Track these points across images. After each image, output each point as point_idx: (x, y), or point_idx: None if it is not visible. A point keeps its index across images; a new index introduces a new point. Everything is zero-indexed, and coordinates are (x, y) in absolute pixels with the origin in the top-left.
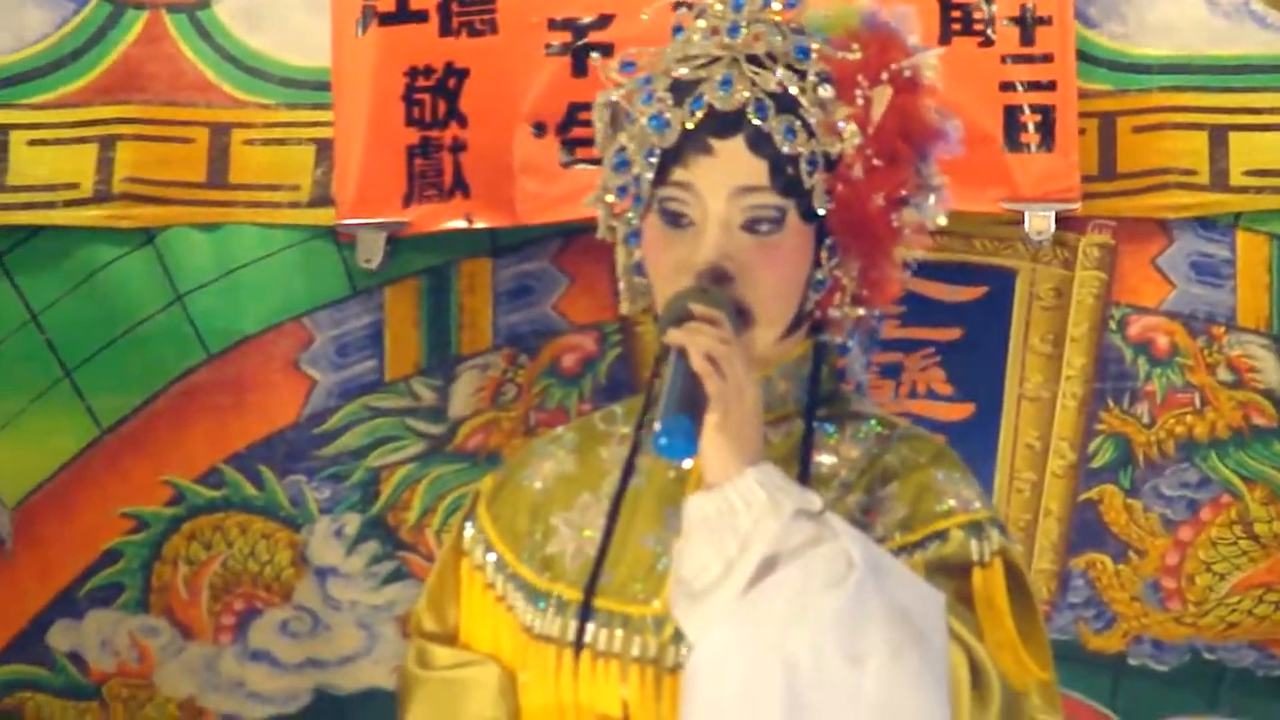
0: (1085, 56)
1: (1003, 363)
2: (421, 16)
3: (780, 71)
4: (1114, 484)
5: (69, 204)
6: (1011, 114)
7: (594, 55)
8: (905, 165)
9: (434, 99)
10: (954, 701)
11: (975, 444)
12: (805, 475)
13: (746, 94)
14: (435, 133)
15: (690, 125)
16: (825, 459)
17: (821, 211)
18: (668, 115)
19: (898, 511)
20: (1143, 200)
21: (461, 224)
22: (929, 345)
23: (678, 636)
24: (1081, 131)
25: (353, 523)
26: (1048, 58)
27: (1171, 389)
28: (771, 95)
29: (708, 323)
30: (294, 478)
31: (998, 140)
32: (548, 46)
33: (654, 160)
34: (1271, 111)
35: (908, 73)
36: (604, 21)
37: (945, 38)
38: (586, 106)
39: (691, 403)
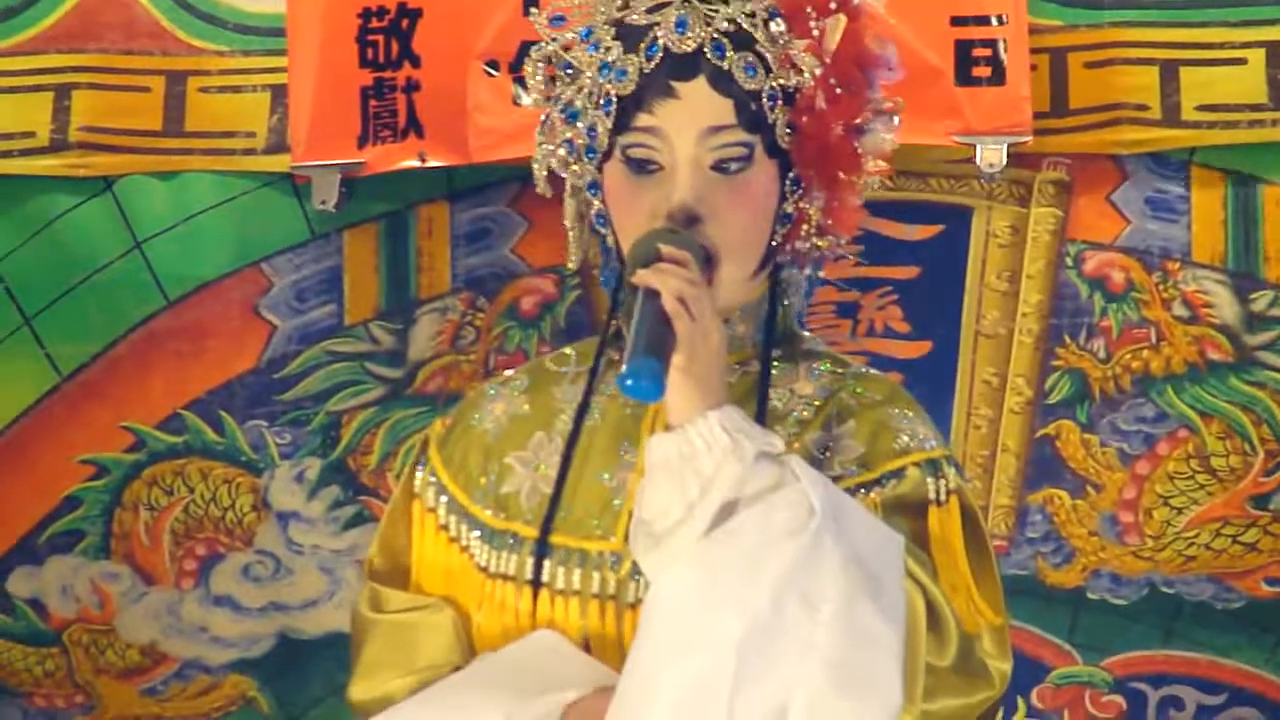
0: None
1: (959, 300)
2: None
3: (732, 9)
4: (1071, 419)
5: (25, 153)
6: (963, 48)
7: (533, 11)
8: (861, 92)
9: (387, 40)
10: (911, 644)
11: (933, 381)
12: (762, 414)
13: (702, 33)
14: (389, 73)
15: (647, 69)
16: (781, 398)
17: (784, 146)
18: (621, 62)
19: (855, 449)
20: (1095, 136)
21: (415, 163)
22: (886, 284)
23: (636, 572)
24: (1033, 67)
25: (314, 467)
26: None
27: (1127, 324)
28: (726, 34)
29: (676, 264)
30: (254, 423)
31: (949, 75)
32: None
33: (610, 109)
34: (1223, 46)
35: (855, 0)
36: None
37: None
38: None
39: (660, 344)
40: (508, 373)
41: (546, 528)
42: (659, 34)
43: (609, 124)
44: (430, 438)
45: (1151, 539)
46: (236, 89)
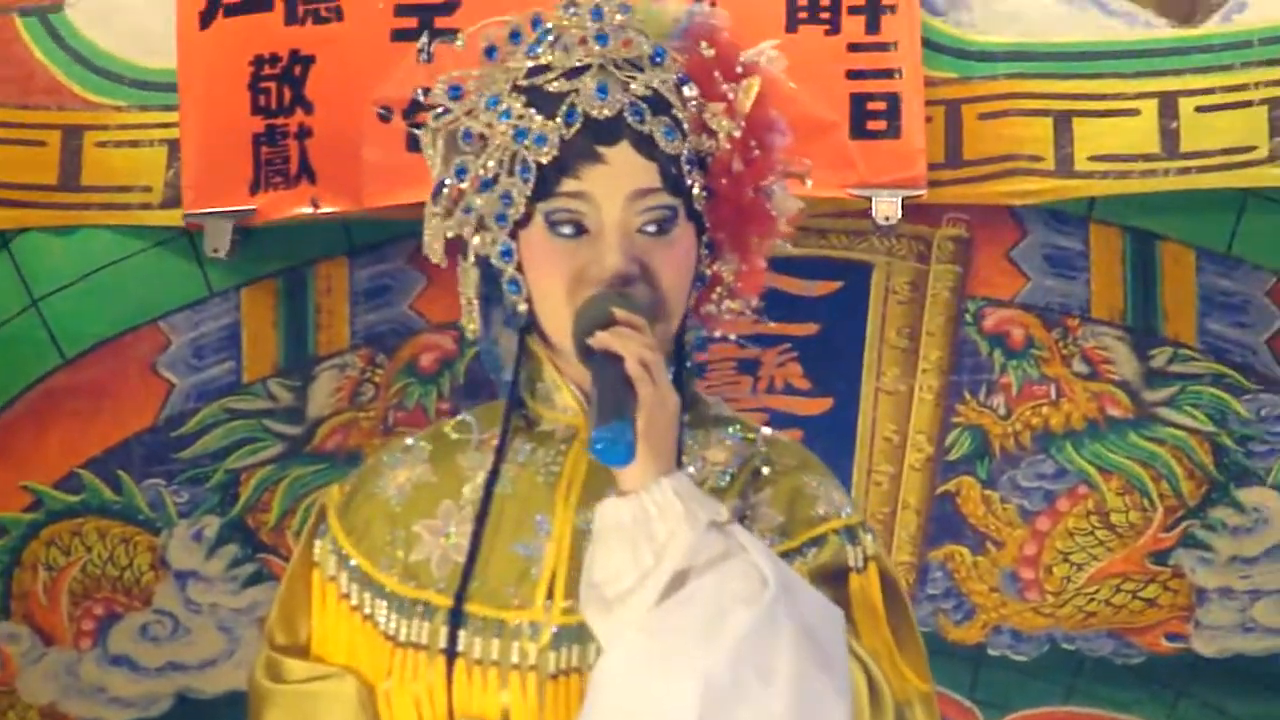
0: (931, 45)
1: (859, 357)
2: (267, 5)
3: (647, 75)
4: (971, 476)
5: None
6: (857, 102)
7: (428, 44)
8: (771, 153)
9: (279, 87)
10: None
11: (833, 438)
12: None
13: (622, 98)
14: (281, 120)
15: (568, 136)
16: (693, 466)
17: (699, 209)
18: (539, 129)
19: (774, 518)
20: (990, 187)
21: (308, 209)
22: (786, 341)
23: (557, 642)
24: (928, 119)
25: (212, 525)
26: (892, 46)
27: (1027, 381)
28: (644, 98)
29: (630, 327)
30: (152, 481)
31: (844, 128)
32: (394, 32)
33: (529, 176)
34: (1115, 97)
35: (764, 62)
36: (450, 7)
37: (792, 26)
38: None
39: (625, 408)
40: (407, 440)
41: (461, 596)
42: (577, 100)
43: (528, 191)
44: (328, 505)
45: (1052, 595)
46: (134, 143)
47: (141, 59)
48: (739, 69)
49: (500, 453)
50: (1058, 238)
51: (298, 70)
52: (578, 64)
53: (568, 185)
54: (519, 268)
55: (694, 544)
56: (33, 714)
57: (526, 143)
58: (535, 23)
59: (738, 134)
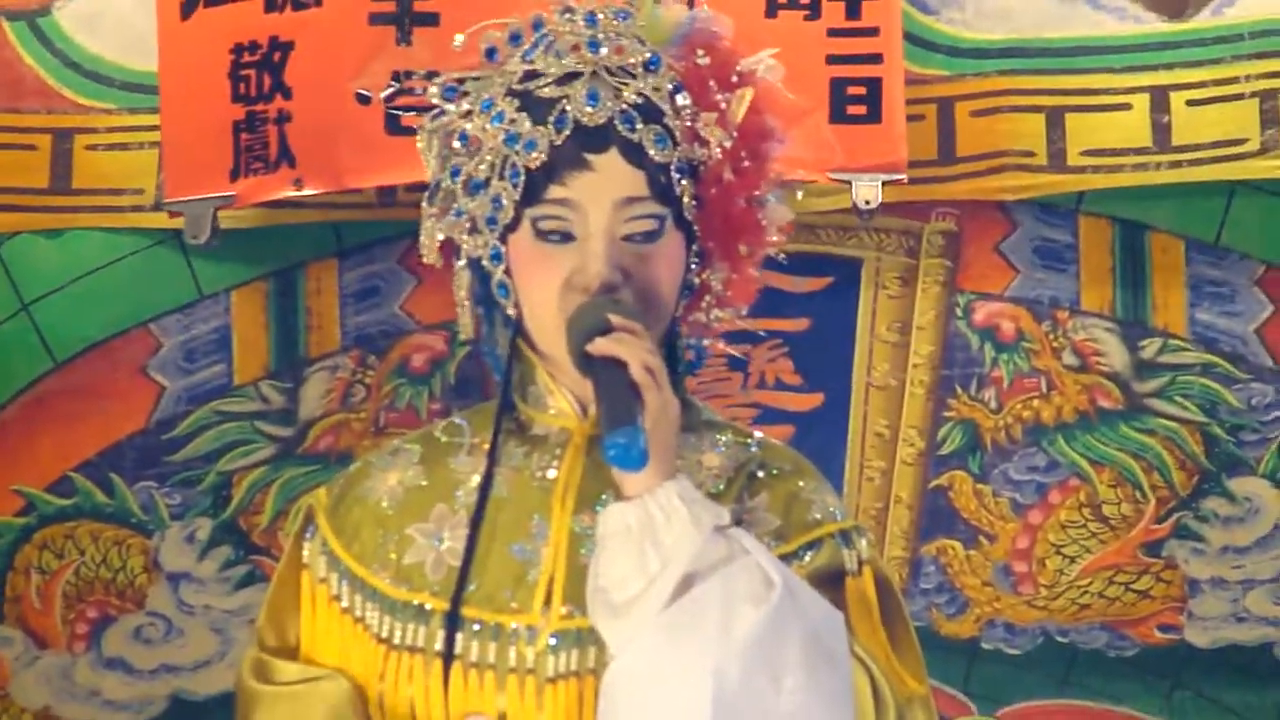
0: (922, 42)
1: (850, 352)
2: None
3: (640, 82)
4: (963, 470)
5: None
6: (837, 87)
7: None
8: (763, 163)
9: (259, 73)
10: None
11: (825, 433)
12: None
13: (613, 106)
14: (261, 106)
15: (558, 142)
16: (688, 469)
17: (690, 218)
18: (530, 134)
19: (770, 522)
20: (982, 183)
21: (289, 192)
22: (776, 336)
23: (555, 646)
24: (920, 117)
25: (204, 528)
26: (874, 31)
27: (1018, 374)
28: (635, 106)
29: (628, 333)
30: (145, 484)
31: (824, 113)
32: (372, 15)
33: (519, 181)
34: (1106, 92)
35: (757, 73)
36: None
37: (771, 11)
38: (410, 75)
39: (634, 413)
40: (395, 443)
41: (457, 599)
42: (568, 106)
43: (516, 196)
44: (316, 508)
45: (1045, 588)
46: (124, 146)
47: (130, 61)
48: (734, 78)
49: (493, 456)
50: (1047, 230)
51: (277, 56)
52: (570, 70)
53: (555, 192)
54: (508, 271)
55: (699, 548)
56: (27, 718)
57: (517, 147)
58: (536, 25)
59: (729, 144)
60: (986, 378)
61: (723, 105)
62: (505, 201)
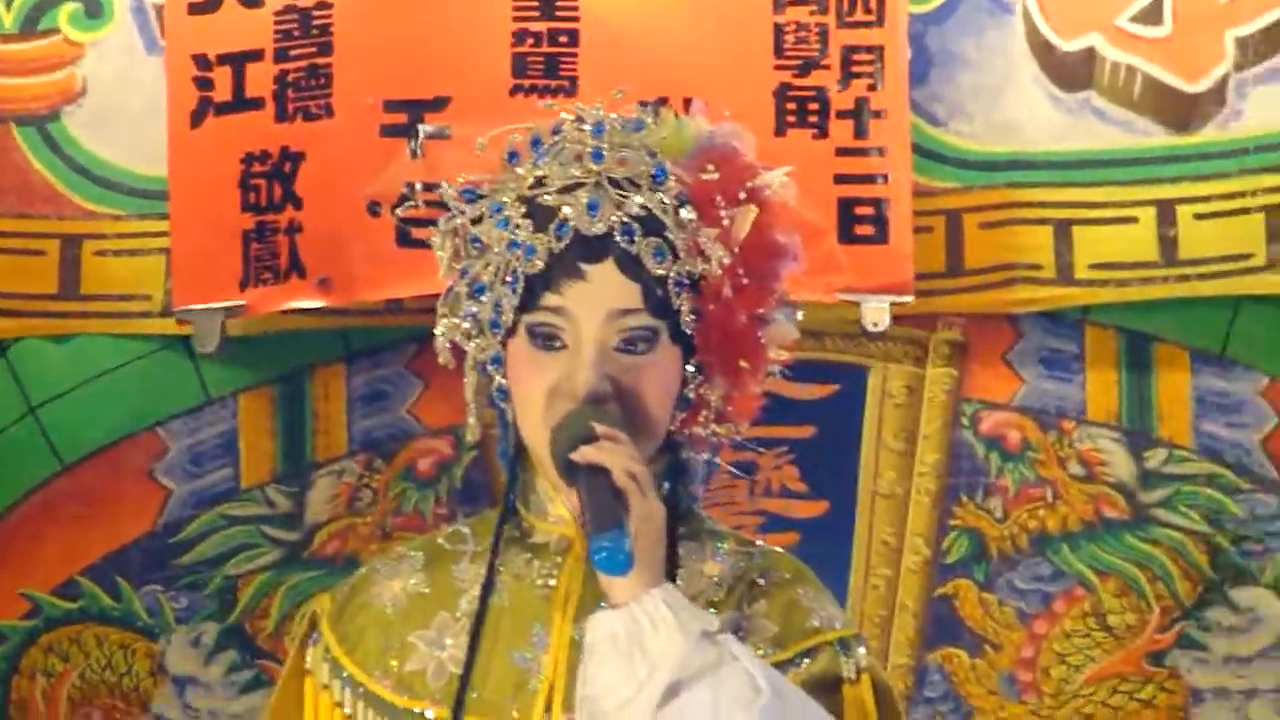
0: (931, 154)
1: (856, 460)
2: (257, 104)
3: (643, 194)
4: (968, 578)
5: None
6: (845, 206)
7: (417, 139)
8: (769, 282)
9: (270, 183)
10: None
11: (830, 541)
12: None
13: (613, 217)
14: (271, 216)
15: (556, 250)
16: (689, 579)
17: (688, 332)
18: (530, 241)
19: (768, 629)
20: (991, 296)
21: (308, 301)
22: (782, 443)
23: None
24: (929, 229)
25: (210, 632)
26: (881, 151)
27: (1024, 483)
28: (636, 218)
29: (612, 441)
30: (151, 587)
31: (832, 232)
32: (383, 128)
33: (517, 286)
34: (1114, 205)
35: (767, 191)
36: (440, 103)
37: (780, 130)
38: (423, 187)
39: (620, 518)
40: (400, 549)
41: (459, 707)
42: (569, 215)
43: (515, 301)
44: (320, 614)
45: (1050, 697)
46: (132, 252)
47: (140, 167)
48: (742, 194)
49: (493, 562)
50: (1053, 340)
51: (288, 167)
52: (575, 179)
53: (549, 300)
54: (506, 376)
55: (687, 654)
56: None
57: (518, 253)
58: (555, 131)
59: (728, 261)
60: (992, 486)
61: (726, 222)
62: (505, 306)
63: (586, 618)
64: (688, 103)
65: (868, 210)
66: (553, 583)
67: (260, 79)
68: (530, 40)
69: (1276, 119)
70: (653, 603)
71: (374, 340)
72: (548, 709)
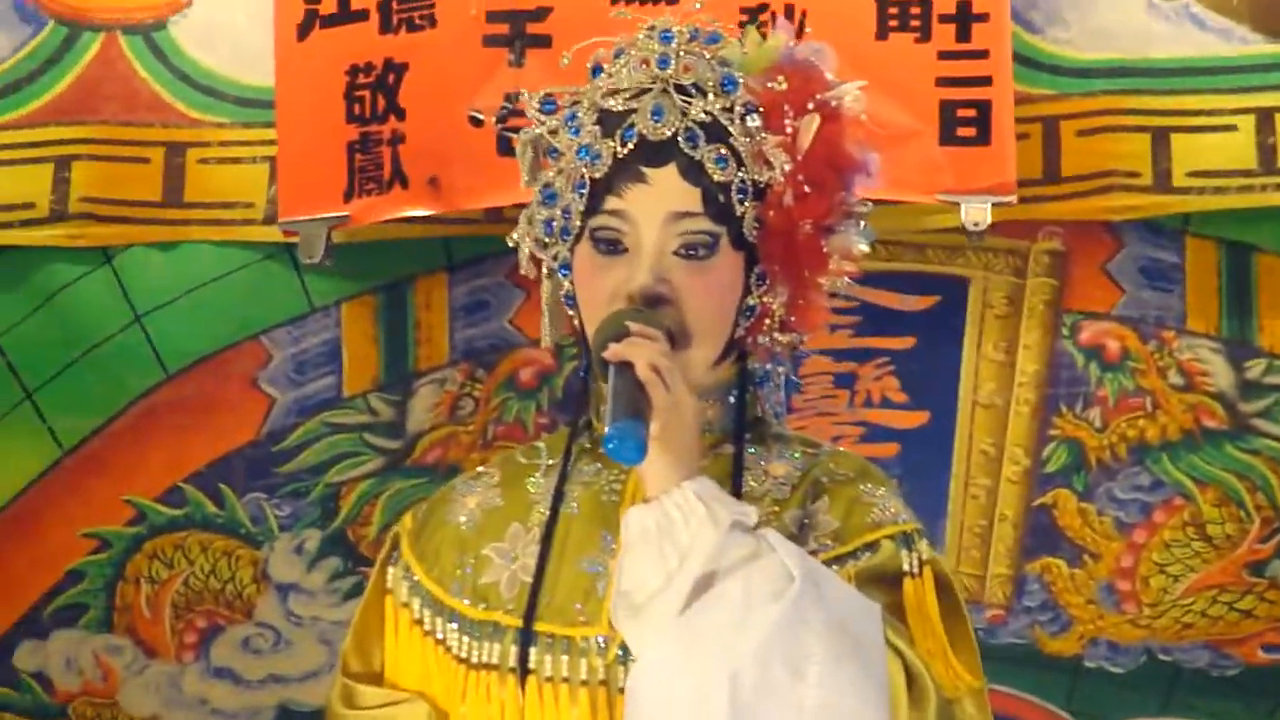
0: (1028, 61)
1: (956, 370)
2: (362, 16)
3: (709, 101)
4: (1068, 488)
5: (25, 224)
6: (947, 109)
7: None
8: (832, 193)
9: (374, 95)
10: (891, 710)
11: (930, 451)
12: (738, 495)
13: (677, 123)
14: (375, 127)
15: (621, 154)
16: (756, 479)
17: (751, 239)
18: (597, 146)
19: (829, 524)
20: (1087, 203)
21: (400, 214)
22: (883, 354)
23: (624, 657)
24: (1025, 136)
25: (313, 539)
26: (984, 54)
27: (1123, 393)
28: (701, 124)
29: (645, 338)
30: (254, 495)
31: (933, 135)
32: (485, 38)
33: (584, 191)
34: (1212, 113)
35: (834, 103)
36: (542, 13)
37: (882, 34)
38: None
39: (639, 410)
40: (480, 468)
41: (530, 615)
42: (635, 120)
43: (581, 206)
44: (401, 534)
45: (1148, 607)
46: (235, 160)
47: (244, 76)
48: (810, 105)
49: (563, 474)
50: (1153, 250)
51: (391, 78)
52: (643, 85)
53: (610, 203)
54: (573, 282)
55: (718, 544)
56: None
57: (586, 159)
58: (624, 47)
59: (789, 168)
60: (1092, 397)
61: (790, 130)
62: (572, 211)
63: None
64: (789, 11)
65: (969, 113)
66: (619, 488)
67: None
68: None
69: None
70: (683, 495)
71: (476, 250)
72: None
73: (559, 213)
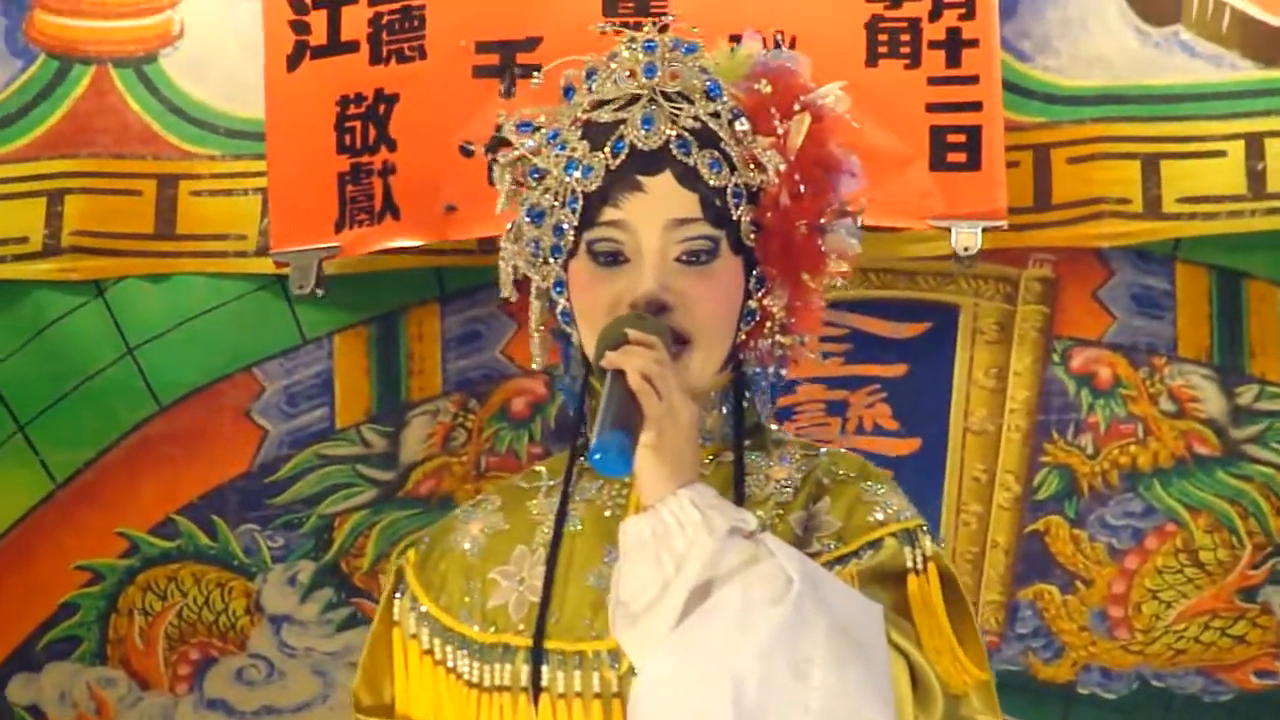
0: (1019, 89)
1: (947, 397)
2: (352, 47)
3: (697, 108)
4: (1059, 515)
5: (18, 258)
6: (937, 134)
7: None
8: (825, 192)
9: (364, 125)
10: (897, 711)
11: (922, 478)
12: (740, 500)
13: (668, 131)
14: (365, 158)
15: (614, 166)
16: (758, 484)
17: (749, 243)
18: (587, 160)
19: (832, 525)
20: (1078, 230)
21: (390, 244)
22: (874, 382)
23: (635, 668)
24: (1016, 164)
25: (306, 570)
26: (974, 79)
27: (1114, 420)
28: (692, 131)
29: (643, 346)
30: (247, 527)
31: (924, 160)
32: (475, 69)
33: (576, 206)
34: (1202, 139)
35: (820, 102)
36: (532, 43)
37: (872, 60)
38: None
39: (627, 419)
40: (479, 495)
41: (539, 633)
42: (625, 131)
43: (575, 221)
44: (406, 566)
45: (1141, 633)
46: (228, 192)
47: (235, 108)
48: (796, 106)
49: (566, 490)
50: (1144, 277)
51: (382, 109)
52: (629, 95)
53: (608, 214)
54: (569, 298)
55: (714, 551)
56: None
57: (575, 173)
58: (611, 58)
59: (783, 169)
60: (1083, 423)
61: (780, 131)
62: (566, 228)
63: None
64: (779, 38)
65: (960, 138)
66: (622, 502)
67: (355, 22)
68: None
69: None
70: (679, 503)
71: (468, 280)
72: None
73: (549, 231)
